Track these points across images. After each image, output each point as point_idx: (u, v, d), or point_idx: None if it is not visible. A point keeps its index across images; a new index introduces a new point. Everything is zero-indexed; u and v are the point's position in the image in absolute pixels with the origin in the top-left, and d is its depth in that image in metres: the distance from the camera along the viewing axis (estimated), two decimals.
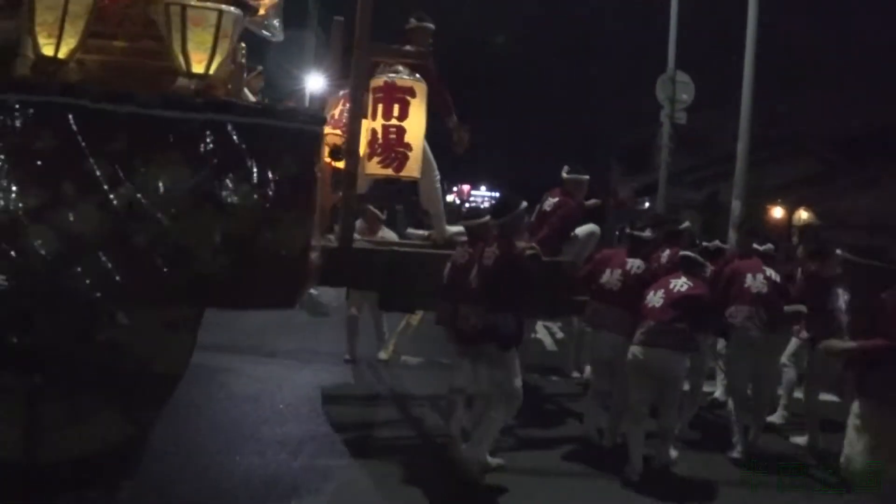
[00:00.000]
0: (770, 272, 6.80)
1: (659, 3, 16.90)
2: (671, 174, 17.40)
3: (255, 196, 4.64)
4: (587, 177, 7.84)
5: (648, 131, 18.50)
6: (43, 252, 4.29)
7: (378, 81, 5.98)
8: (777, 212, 29.49)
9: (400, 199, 6.97)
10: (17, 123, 4.32)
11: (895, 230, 22.15)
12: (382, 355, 9.32)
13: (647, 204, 24.65)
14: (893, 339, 4.54)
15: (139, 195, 4.44)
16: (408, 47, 6.42)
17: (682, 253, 6.38)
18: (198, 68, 4.61)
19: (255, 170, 4.65)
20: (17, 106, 4.29)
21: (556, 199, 7.59)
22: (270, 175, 4.68)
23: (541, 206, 7.71)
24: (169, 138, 4.53)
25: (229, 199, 4.60)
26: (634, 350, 5.95)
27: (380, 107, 5.78)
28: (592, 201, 8.17)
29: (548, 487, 5.83)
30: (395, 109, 5.81)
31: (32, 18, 4.30)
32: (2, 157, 4.28)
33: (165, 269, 4.50)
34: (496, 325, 5.45)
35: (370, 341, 9.32)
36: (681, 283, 5.99)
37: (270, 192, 4.68)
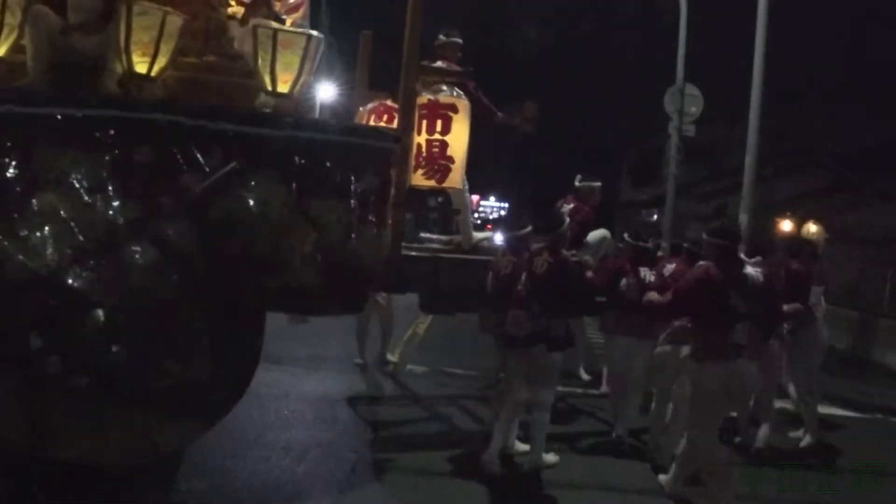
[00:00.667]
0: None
1: (669, 15, 16.99)
2: (679, 186, 17.43)
3: (342, 209, 4.92)
4: (599, 183, 8.22)
5: (657, 143, 18.53)
6: (141, 262, 4.42)
7: (423, 99, 6.25)
8: (786, 225, 29.51)
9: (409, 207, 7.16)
10: (119, 138, 4.43)
11: None
12: (390, 357, 9.48)
13: (654, 216, 24.64)
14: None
15: (234, 208, 4.60)
16: (447, 65, 6.70)
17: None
18: (283, 88, 4.89)
19: (341, 184, 4.93)
20: (118, 121, 4.41)
21: (572, 206, 7.91)
22: (354, 189, 4.97)
23: None
24: (262, 154, 4.71)
25: (318, 212, 4.83)
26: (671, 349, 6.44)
27: (424, 122, 6.10)
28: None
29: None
30: (439, 125, 6.16)
31: (128, 37, 4.45)
32: (104, 170, 4.37)
33: (257, 279, 4.71)
34: (548, 329, 5.87)
35: (376, 346, 9.46)
36: None
37: (353, 206, 4.97)
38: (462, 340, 10.55)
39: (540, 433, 6.11)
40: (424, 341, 10.85)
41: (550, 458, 6.21)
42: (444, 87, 6.47)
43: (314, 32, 5.08)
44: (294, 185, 4.77)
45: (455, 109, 6.28)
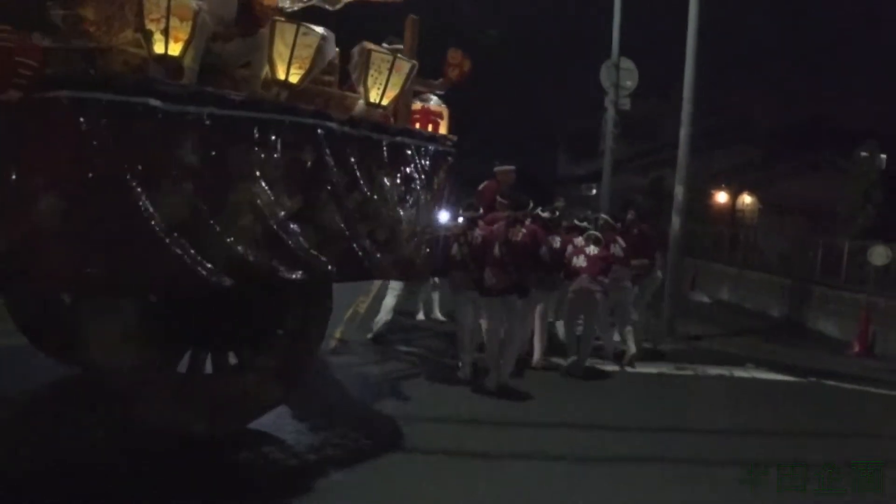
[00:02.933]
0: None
1: None
2: (617, 161, 17.52)
3: (428, 199, 6.24)
4: (513, 167, 9.57)
5: (594, 118, 18.58)
6: (306, 245, 5.15)
7: (417, 106, 6.81)
8: (721, 196, 30.05)
9: None
10: (288, 140, 5.11)
11: (833, 214, 22.67)
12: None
13: (594, 191, 24.83)
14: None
15: (363, 199, 5.60)
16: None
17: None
18: (374, 98, 5.79)
19: (427, 179, 6.23)
20: (286, 125, 5.11)
21: (484, 184, 9.43)
22: (434, 184, 6.32)
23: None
24: (379, 154, 5.80)
25: (414, 201, 6.05)
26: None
27: (417, 125, 6.67)
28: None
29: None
30: (429, 128, 6.76)
31: (271, 49, 5.09)
32: (277, 168, 5.02)
33: (379, 253, 5.70)
34: (521, 281, 7.78)
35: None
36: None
37: (431, 197, 6.29)
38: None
39: (509, 361, 7.85)
40: (365, 319, 10.75)
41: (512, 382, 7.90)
42: (433, 97, 7.03)
43: (406, 58, 6.01)
44: (400, 179, 5.94)
45: (441, 116, 6.93)
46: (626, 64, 15.73)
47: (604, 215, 10.22)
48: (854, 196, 21.51)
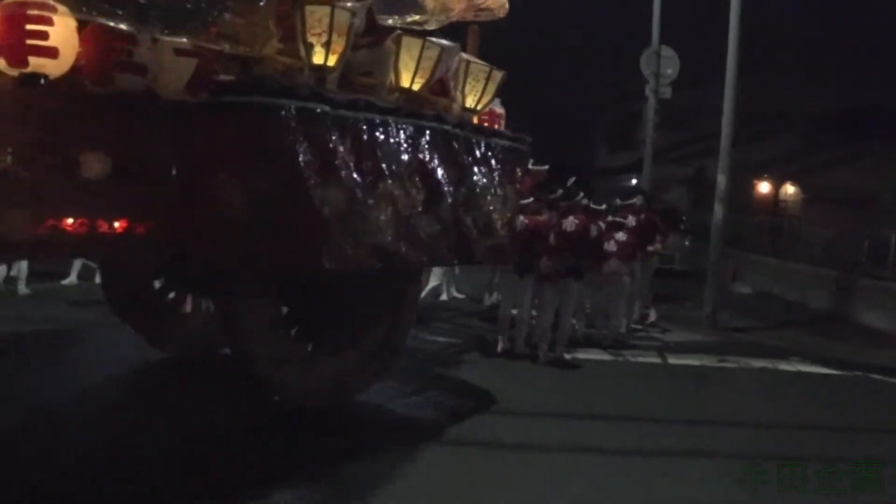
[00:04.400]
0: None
1: None
2: (657, 151, 17.32)
3: (514, 191, 6.95)
4: (546, 167, 9.95)
5: (632, 108, 18.40)
6: (429, 233, 5.77)
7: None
8: (763, 187, 29.60)
9: None
10: (415, 140, 5.78)
11: (877, 203, 22.25)
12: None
13: (633, 181, 24.60)
14: None
15: (469, 192, 6.27)
16: None
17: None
18: (471, 104, 6.47)
19: (510, 174, 6.86)
20: (416, 128, 5.79)
21: None
22: (515, 178, 7.01)
23: None
24: (478, 153, 6.49)
25: (503, 193, 6.68)
26: None
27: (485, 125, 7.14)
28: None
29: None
30: (496, 127, 7.15)
31: (397, 60, 5.75)
32: (408, 165, 5.66)
33: (481, 240, 6.35)
34: (577, 267, 8.65)
35: None
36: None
37: (515, 190, 6.98)
38: None
39: (563, 336, 8.79)
40: None
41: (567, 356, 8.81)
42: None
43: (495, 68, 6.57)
44: (493, 174, 6.59)
45: (503, 117, 7.34)
46: (667, 52, 15.54)
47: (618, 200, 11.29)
48: None
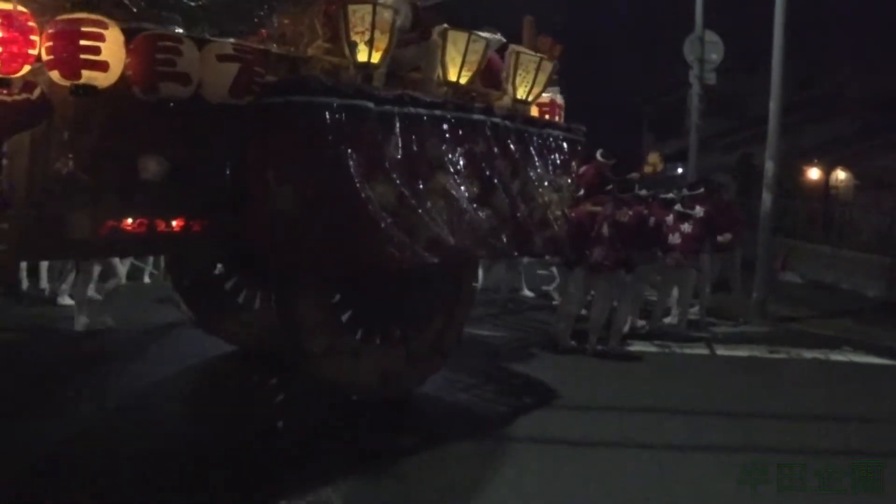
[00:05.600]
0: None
1: None
2: (703, 138, 17.03)
3: (570, 183, 7.09)
4: (614, 160, 10.13)
5: (677, 96, 18.13)
6: (486, 226, 5.89)
7: (546, 98, 7.18)
8: (813, 172, 29.00)
9: None
10: (466, 134, 5.89)
11: None
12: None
13: (679, 170, 24.27)
14: None
15: (524, 184, 6.37)
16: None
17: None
18: (522, 95, 6.53)
19: (568, 166, 7.04)
20: (464, 121, 5.89)
21: (584, 168, 9.38)
22: (570, 169, 7.10)
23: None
24: (531, 144, 6.60)
25: (561, 186, 6.84)
26: None
27: (546, 117, 7.22)
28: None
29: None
30: (557, 118, 7.28)
31: (444, 54, 5.81)
32: (459, 158, 5.78)
33: (538, 232, 6.45)
34: (629, 258, 8.52)
35: None
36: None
37: (570, 181, 7.11)
38: None
39: (617, 329, 8.74)
40: None
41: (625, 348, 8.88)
42: (553, 88, 7.31)
43: (545, 57, 6.66)
44: (547, 165, 6.73)
45: (562, 107, 7.38)
46: (711, 37, 15.25)
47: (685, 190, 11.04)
48: None
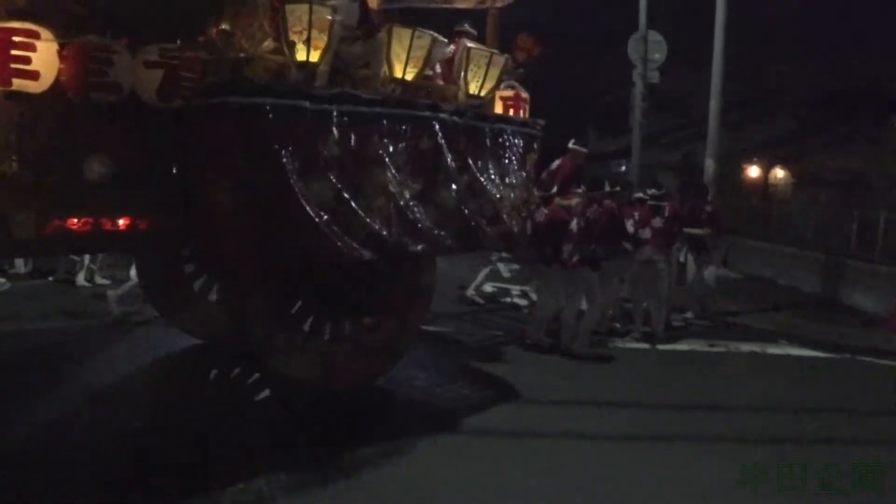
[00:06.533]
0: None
1: None
2: (647, 136, 17.32)
3: (524, 177, 6.97)
4: (586, 150, 10.05)
5: (622, 94, 18.37)
6: (429, 222, 5.87)
7: (510, 93, 7.22)
8: (753, 170, 29.60)
9: None
10: (410, 130, 5.89)
11: (868, 186, 22.23)
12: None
13: (623, 167, 24.60)
14: None
15: (471, 179, 6.37)
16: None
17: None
18: (474, 90, 6.54)
19: (523, 160, 6.95)
20: (407, 117, 5.89)
21: (559, 161, 9.55)
22: (526, 164, 7.01)
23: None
24: (482, 140, 6.59)
25: (514, 180, 6.78)
26: None
27: (510, 111, 7.19)
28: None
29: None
30: (520, 113, 7.23)
31: (389, 51, 5.84)
32: (402, 155, 5.79)
33: (488, 227, 6.40)
34: (596, 255, 8.41)
35: None
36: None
37: (525, 175, 7.02)
38: None
39: (588, 325, 8.65)
40: None
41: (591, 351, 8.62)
42: (515, 83, 7.36)
43: (497, 52, 6.76)
44: (500, 160, 6.71)
45: (527, 101, 7.32)
46: (655, 36, 15.52)
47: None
48: (890, 167, 21.02)
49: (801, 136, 28.66)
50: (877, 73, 27.46)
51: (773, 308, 12.99)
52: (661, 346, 9.37)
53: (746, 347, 9.75)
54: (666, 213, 9.87)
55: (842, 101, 28.06)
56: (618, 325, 9.95)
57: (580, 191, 8.91)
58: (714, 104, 12.35)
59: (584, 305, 8.78)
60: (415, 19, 6.56)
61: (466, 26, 7.32)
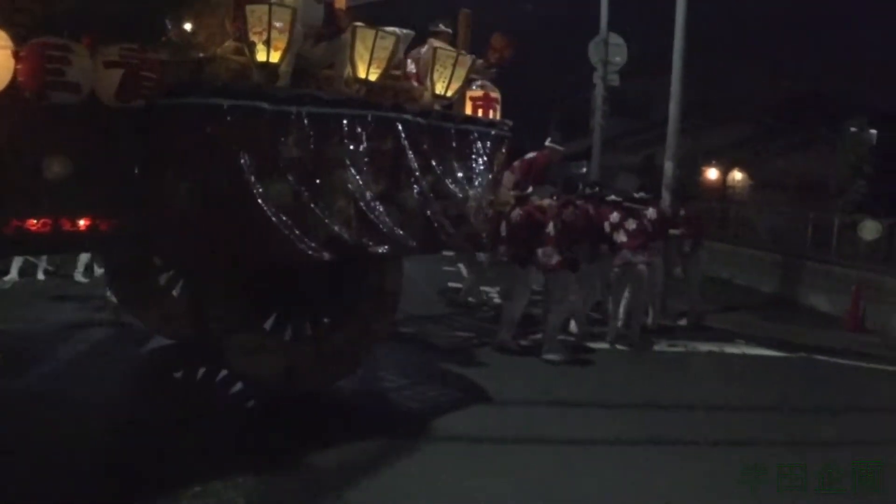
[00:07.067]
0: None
1: None
2: (608, 138, 17.43)
3: (489, 178, 6.86)
4: (563, 148, 10.35)
5: (584, 96, 18.49)
6: (391, 223, 5.86)
7: (480, 93, 7.16)
8: (712, 173, 29.99)
9: None
10: (372, 131, 5.80)
11: (824, 189, 22.66)
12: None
13: (583, 169, 24.74)
14: None
15: (436, 180, 6.30)
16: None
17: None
18: (449, 93, 6.48)
19: (490, 160, 6.86)
20: (370, 118, 5.79)
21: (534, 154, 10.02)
22: (493, 164, 6.94)
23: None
24: (448, 140, 6.50)
25: (478, 180, 6.71)
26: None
27: (480, 111, 7.11)
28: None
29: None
30: (490, 113, 7.14)
31: (353, 51, 5.75)
32: (364, 156, 5.73)
33: (452, 228, 6.40)
34: (573, 258, 8.46)
35: None
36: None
37: (491, 176, 6.92)
38: None
39: (553, 330, 8.55)
40: None
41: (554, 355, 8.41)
42: (488, 83, 7.31)
43: (465, 53, 6.67)
44: (465, 161, 6.65)
45: (499, 101, 7.25)
46: (615, 39, 15.60)
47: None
48: (845, 171, 21.44)
49: (759, 141, 29.10)
50: (836, 80, 27.98)
51: (732, 308, 13.15)
52: (619, 346, 9.43)
53: (704, 347, 9.87)
54: (653, 216, 9.96)
55: (800, 107, 28.54)
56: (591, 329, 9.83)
57: (548, 199, 8.94)
58: (673, 108, 12.46)
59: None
60: (394, 18, 6.61)
61: (441, 26, 7.31)
